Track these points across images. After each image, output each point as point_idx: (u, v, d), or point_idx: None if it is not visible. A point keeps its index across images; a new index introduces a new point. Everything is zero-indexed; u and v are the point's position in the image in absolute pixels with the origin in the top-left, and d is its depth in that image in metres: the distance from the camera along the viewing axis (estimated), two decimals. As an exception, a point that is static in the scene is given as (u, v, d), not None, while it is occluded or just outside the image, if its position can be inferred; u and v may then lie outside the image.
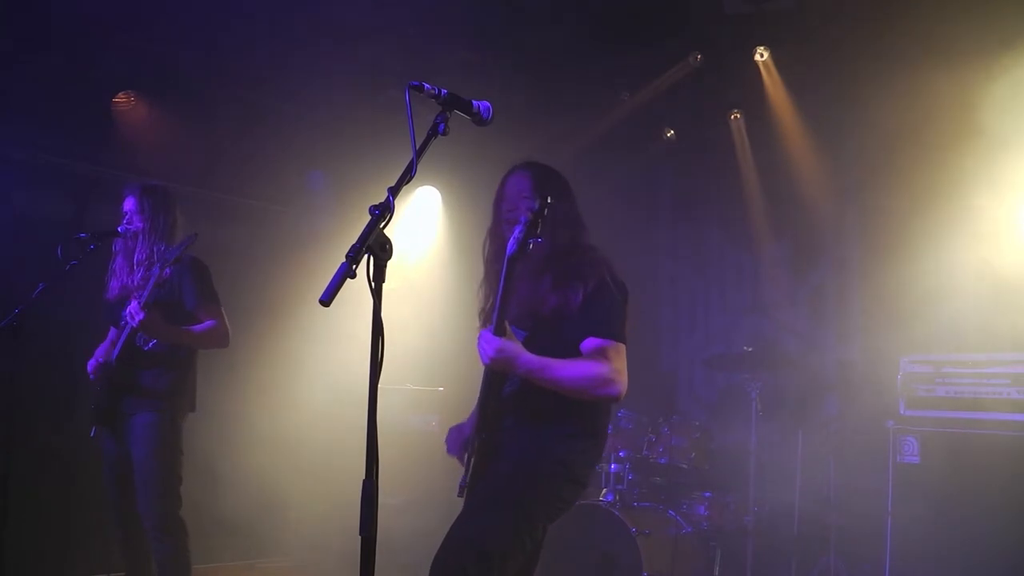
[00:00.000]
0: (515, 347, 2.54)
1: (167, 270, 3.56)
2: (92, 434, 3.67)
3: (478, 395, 2.69)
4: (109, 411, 3.65)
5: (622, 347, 2.60)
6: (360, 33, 5.16)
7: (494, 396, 2.65)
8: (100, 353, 3.81)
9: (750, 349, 5.26)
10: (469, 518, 2.55)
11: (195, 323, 3.72)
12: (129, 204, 3.78)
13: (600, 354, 2.55)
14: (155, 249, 3.69)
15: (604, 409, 2.75)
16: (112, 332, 3.88)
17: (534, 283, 2.66)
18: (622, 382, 2.57)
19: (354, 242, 1.91)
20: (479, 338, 2.57)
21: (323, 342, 5.91)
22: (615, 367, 2.55)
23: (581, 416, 2.66)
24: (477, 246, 2.88)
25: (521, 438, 2.63)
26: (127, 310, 3.53)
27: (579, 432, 2.66)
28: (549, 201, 2.45)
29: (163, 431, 3.63)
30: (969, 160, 4.77)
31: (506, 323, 2.56)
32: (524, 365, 2.53)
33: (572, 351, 2.59)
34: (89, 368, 3.74)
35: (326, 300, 1.83)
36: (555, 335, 2.60)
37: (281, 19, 4.89)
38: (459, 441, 2.82)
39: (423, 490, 5.43)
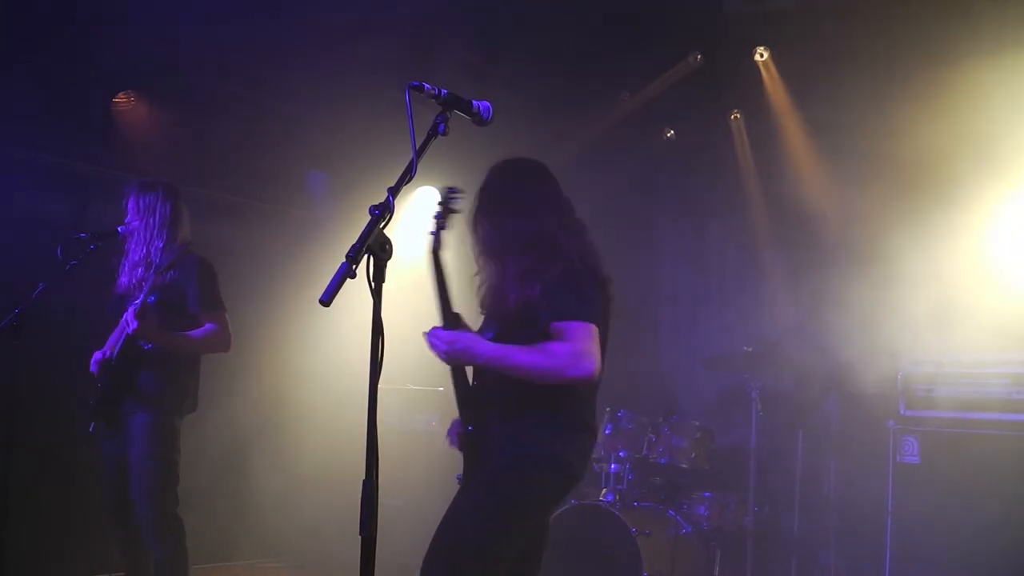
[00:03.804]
0: (470, 338, 2.54)
1: (168, 273, 3.57)
2: (91, 429, 3.66)
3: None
4: (109, 411, 3.65)
5: (588, 326, 2.49)
6: (360, 33, 5.16)
7: (465, 391, 2.66)
8: (109, 345, 3.78)
9: (750, 349, 5.26)
10: (460, 518, 2.53)
11: (196, 326, 3.71)
12: (127, 203, 3.78)
13: (562, 335, 2.48)
14: (150, 248, 3.67)
15: (587, 398, 2.68)
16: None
17: (495, 275, 2.66)
18: (591, 361, 2.46)
19: (354, 242, 1.91)
20: (428, 336, 2.54)
21: (323, 342, 5.91)
22: (579, 347, 2.45)
23: (565, 408, 2.60)
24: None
25: (508, 434, 2.61)
26: (123, 316, 3.55)
27: (565, 425, 2.61)
28: (452, 194, 2.53)
29: (160, 431, 3.63)
30: (969, 159, 4.77)
31: (458, 315, 2.57)
32: (483, 354, 2.51)
33: (539, 336, 2.53)
34: (94, 359, 3.73)
35: (326, 300, 1.83)
36: (523, 329, 2.57)
37: (281, 19, 4.89)
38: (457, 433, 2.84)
39: (423, 490, 5.42)
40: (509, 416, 2.62)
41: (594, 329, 2.50)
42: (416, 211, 6.89)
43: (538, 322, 2.53)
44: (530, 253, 2.61)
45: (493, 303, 2.66)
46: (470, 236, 2.78)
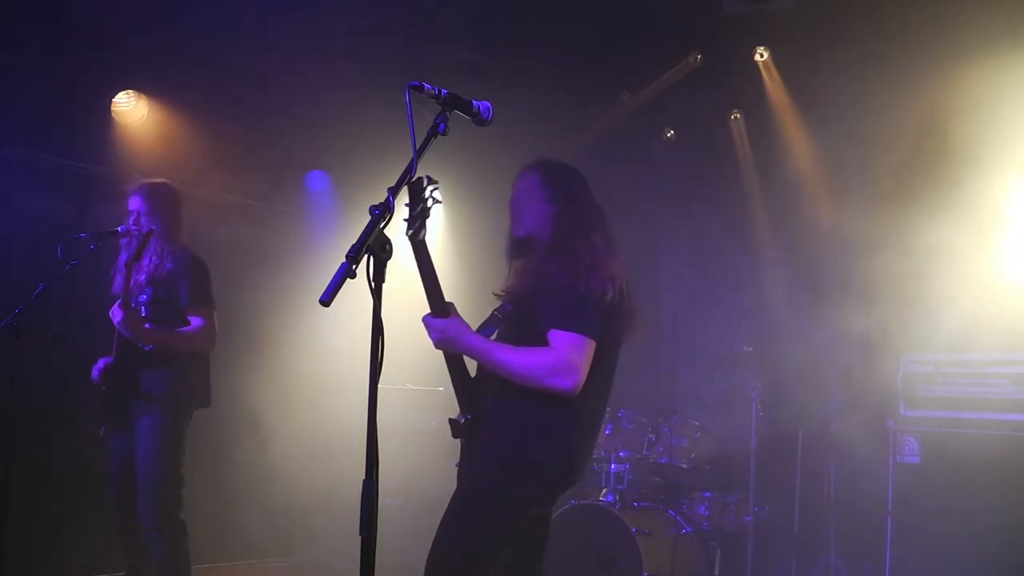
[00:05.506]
0: (458, 327, 2.54)
1: (163, 268, 3.59)
2: (101, 432, 3.67)
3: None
4: (116, 411, 3.65)
5: (583, 339, 2.48)
6: (360, 33, 5.16)
7: (464, 380, 2.66)
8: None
9: (750, 349, 5.25)
10: (448, 527, 2.55)
11: (185, 322, 3.71)
12: (135, 203, 3.77)
13: (554, 344, 2.47)
14: (148, 249, 3.66)
15: (587, 401, 2.59)
16: None
17: (524, 270, 2.69)
18: (574, 376, 2.45)
19: (354, 242, 1.91)
20: (423, 322, 2.58)
21: (323, 342, 5.91)
22: (567, 359, 2.45)
23: (561, 408, 2.54)
24: (477, 246, 2.89)
25: (499, 428, 2.59)
26: (110, 311, 3.55)
27: (558, 425, 2.57)
28: (432, 185, 2.34)
29: (166, 432, 3.63)
30: (969, 160, 4.77)
31: (450, 304, 2.56)
32: (467, 345, 2.54)
33: (539, 341, 2.52)
34: (96, 367, 3.72)
35: (326, 300, 1.83)
36: (523, 323, 2.59)
37: (281, 19, 4.89)
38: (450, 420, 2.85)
39: (423, 490, 5.43)
40: (502, 409, 2.60)
41: (588, 343, 2.49)
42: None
43: (536, 323, 2.53)
44: (549, 254, 2.61)
45: (514, 286, 2.68)
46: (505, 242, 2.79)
